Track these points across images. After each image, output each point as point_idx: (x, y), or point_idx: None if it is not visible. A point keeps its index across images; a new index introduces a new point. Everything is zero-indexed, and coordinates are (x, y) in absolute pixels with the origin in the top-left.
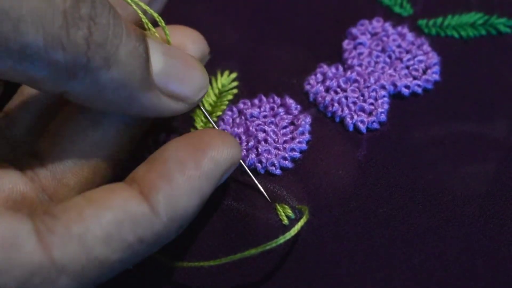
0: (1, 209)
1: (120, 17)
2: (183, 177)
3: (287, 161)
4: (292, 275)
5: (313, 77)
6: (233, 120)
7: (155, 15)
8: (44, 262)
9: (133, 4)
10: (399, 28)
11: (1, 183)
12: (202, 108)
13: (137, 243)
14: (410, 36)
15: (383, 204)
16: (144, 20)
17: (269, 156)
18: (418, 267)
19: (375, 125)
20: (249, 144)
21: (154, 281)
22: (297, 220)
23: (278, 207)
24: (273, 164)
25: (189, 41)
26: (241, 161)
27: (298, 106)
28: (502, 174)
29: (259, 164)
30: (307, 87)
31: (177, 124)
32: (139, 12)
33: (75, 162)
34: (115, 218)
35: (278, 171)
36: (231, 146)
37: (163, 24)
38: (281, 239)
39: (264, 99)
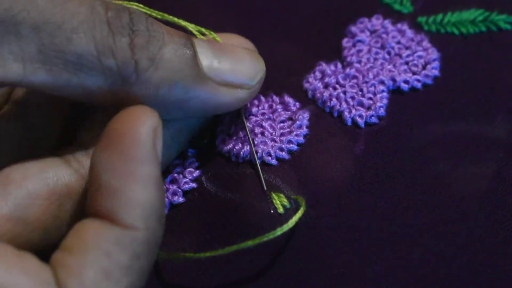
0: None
1: (159, 24)
2: (125, 184)
3: (283, 152)
4: (288, 267)
5: (312, 75)
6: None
7: (196, 28)
8: None
9: (180, 21)
10: (399, 25)
11: (46, 176)
12: (242, 114)
13: (135, 261)
14: (409, 32)
15: (381, 199)
16: (191, 27)
17: (265, 147)
18: (417, 263)
19: (374, 120)
20: (246, 137)
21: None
22: (292, 209)
23: (274, 195)
24: (269, 154)
25: (237, 44)
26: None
27: (297, 103)
28: (503, 171)
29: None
30: (306, 85)
31: None
32: (185, 23)
33: None
34: (101, 254)
35: (274, 161)
36: (144, 118)
37: (212, 33)
38: (279, 231)
39: (262, 98)
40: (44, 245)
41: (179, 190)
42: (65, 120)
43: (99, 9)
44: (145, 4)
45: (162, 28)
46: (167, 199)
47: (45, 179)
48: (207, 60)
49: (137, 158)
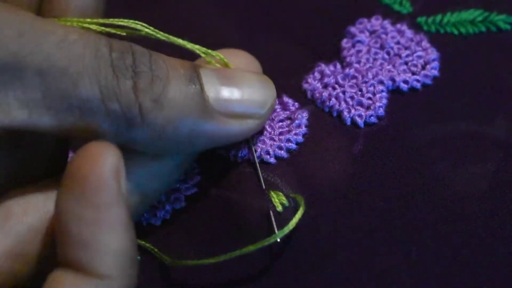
0: None
1: (163, 60)
2: (94, 233)
3: (282, 151)
4: (287, 266)
5: (311, 75)
6: None
7: (202, 49)
8: None
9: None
10: (398, 25)
11: (47, 210)
12: (251, 144)
13: None
14: (409, 33)
15: (380, 198)
16: (197, 48)
17: (264, 146)
18: (417, 262)
19: (373, 119)
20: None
21: (148, 278)
22: (291, 208)
23: (273, 194)
24: (267, 153)
25: (243, 64)
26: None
27: (296, 103)
28: (503, 171)
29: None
30: (305, 85)
31: None
32: (191, 45)
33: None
34: None
35: (272, 160)
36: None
37: (219, 55)
38: (280, 234)
39: None
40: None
41: (181, 195)
42: (62, 142)
43: (104, 51)
44: (146, 6)
45: (166, 63)
46: (168, 206)
47: (47, 213)
48: (214, 91)
49: (103, 204)
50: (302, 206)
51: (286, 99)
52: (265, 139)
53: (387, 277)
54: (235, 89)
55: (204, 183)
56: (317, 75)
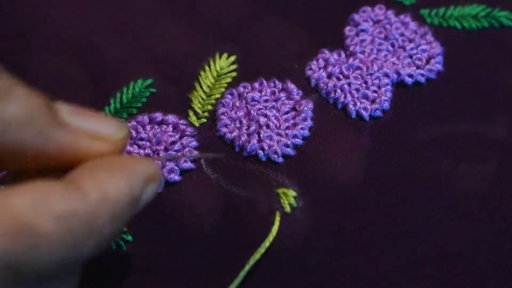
0: None
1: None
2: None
3: (289, 148)
4: (293, 263)
5: (314, 62)
6: (233, 103)
7: None
8: None
9: None
10: (402, 17)
11: None
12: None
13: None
14: (413, 25)
15: (386, 193)
16: None
17: (271, 143)
18: (420, 261)
19: (378, 113)
20: (251, 128)
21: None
22: (299, 208)
23: (281, 194)
24: (275, 152)
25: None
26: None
27: (300, 92)
28: (504, 171)
29: (261, 151)
30: (309, 72)
31: (174, 105)
32: None
33: None
34: None
35: (280, 159)
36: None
37: None
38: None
39: (265, 83)
40: None
41: (176, 168)
42: None
43: None
44: None
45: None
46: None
47: None
48: (65, 107)
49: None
50: (277, 222)
51: (290, 85)
52: (273, 135)
53: (391, 276)
54: (89, 114)
55: (204, 166)
56: (321, 62)
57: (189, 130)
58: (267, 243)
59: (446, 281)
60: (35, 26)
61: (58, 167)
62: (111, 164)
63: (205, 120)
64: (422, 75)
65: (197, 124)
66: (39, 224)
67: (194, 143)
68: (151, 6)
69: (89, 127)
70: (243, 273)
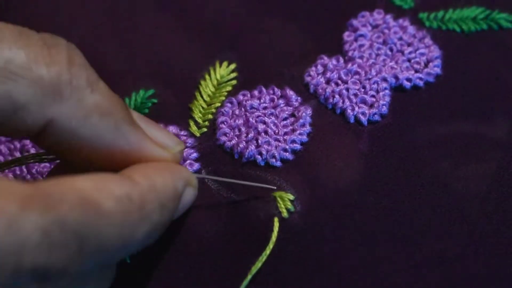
0: None
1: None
2: None
3: (287, 153)
4: (291, 268)
5: (313, 68)
6: (233, 112)
7: None
8: None
9: None
10: (400, 21)
11: None
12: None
13: None
14: (411, 29)
15: (384, 198)
16: None
17: (269, 148)
18: (420, 263)
19: (377, 118)
20: (249, 135)
21: None
22: (297, 212)
23: (279, 199)
24: (273, 156)
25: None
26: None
27: (299, 98)
28: (504, 171)
29: (259, 156)
30: (308, 78)
31: (175, 115)
32: None
33: None
34: None
35: (278, 163)
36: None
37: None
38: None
39: (264, 90)
40: None
41: None
42: None
43: (31, 32)
44: None
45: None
46: None
47: None
48: (136, 115)
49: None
50: (275, 228)
51: (289, 92)
52: (271, 140)
53: (391, 278)
54: (153, 123)
55: (207, 181)
56: (319, 68)
57: (189, 141)
58: (267, 250)
59: (446, 283)
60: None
61: (108, 168)
62: (157, 165)
63: (205, 130)
64: (421, 78)
65: (198, 134)
66: (101, 202)
67: (195, 155)
68: (151, 16)
69: (154, 135)
70: (245, 282)
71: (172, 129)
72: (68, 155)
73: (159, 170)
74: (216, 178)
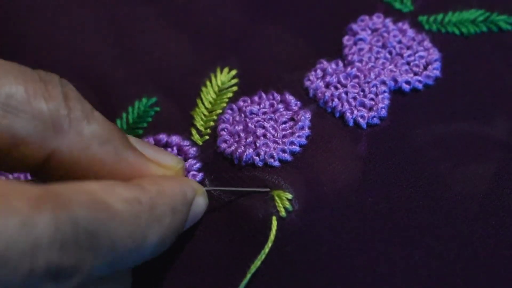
0: None
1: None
2: None
3: (286, 154)
4: (290, 267)
5: (313, 73)
6: (233, 118)
7: None
8: None
9: None
10: (400, 24)
11: None
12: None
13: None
14: (411, 32)
15: (382, 200)
16: None
17: (267, 149)
18: (419, 264)
19: (376, 121)
20: (248, 140)
21: None
22: (294, 211)
23: (277, 198)
24: (271, 156)
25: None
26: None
27: (298, 102)
28: (503, 171)
29: (257, 157)
30: (307, 83)
31: (177, 124)
32: None
33: None
34: None
35: (276, 163)
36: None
37: None
38: (262, 255)
39: (264, 95)
40: None
41: None
42: None
43: (28, 69)
44: None
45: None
46: None
47: None
48: (132, 139)
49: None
50: (274, 227)
51: (288, 97)
52: (269, 142)
53: (389, 279)
54: (150, 145)
55: (207, 184)
56: (319, 72)
57: (192, 151)
58: (266, 249)
59: (445, 283)
60: (38, 50)
61: None
62: (165, 175)
63: (207, 138)
64: (420, 81)
65: (200, 143)
66: (111, 202)
67: (198, 165)
68: (151, 24)
69: (153, 156)
70: (245, 281)
71: (175, 139)
72: (69, 178)
73: (166, 179)
74: (215, 188)
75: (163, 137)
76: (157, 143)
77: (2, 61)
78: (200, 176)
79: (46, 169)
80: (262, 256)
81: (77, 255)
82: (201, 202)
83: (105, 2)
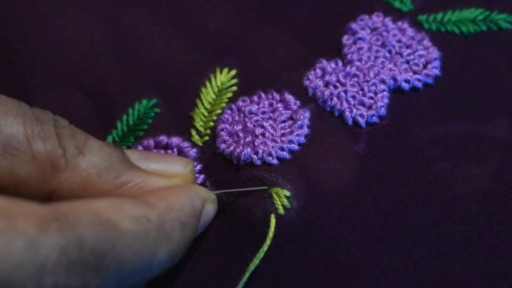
0: None
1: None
2: None
3: (284, 152)
4: (289, 267)
5: (312, 72)
6: (232, 118)
7: None
8: None
9: None
10: (399, 23)
11: None
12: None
13: None
14: (410, 31)
15: (382, 199)
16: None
17: (265, 148)
18: (419, 262)
19: (375, 119)
20: (246, 139)
21: None
22: (292, 209)
23: (275, 196)
24: (270, 154)
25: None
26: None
27: (297, 102)
28: (503, 171)
29: (255, 156)
30: (306, 82)
31: (177, 125)
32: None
33: None
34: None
35: (274, 161)
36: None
37: None
38: (261, 253)
39: (263, 95)
40: None
41: None
42: None
43: (25, 106)
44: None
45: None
46: None
47: None
48: (133, 154)
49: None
50: (272, 225)
51: (287, 96)
52: (267, 141)
53: (390, 278)
54: (156, 155)
55: (209, 186)
56: (318, 71)
57: (192, 152)
58: (265, 247)
59: (445, 283)
60: (36, 53)
61: None
62: (171, 188)
63: (207, 138)
64: (419, 80)
65: (200, 144)
66: (118, 221)
67: (199, 167)
68: (151, 26)
69: (157, 168)
70: (244, 279)
71: (175, 140)
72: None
73: (173, 192)
74: (218, 191)
75: (163, 138)
76: (157, 145)
77: (3, 97)
78: (201, 178)
79: None
80: (261, 254)
81: (84, 275)
82: (210, 211)
83: (104, 5)
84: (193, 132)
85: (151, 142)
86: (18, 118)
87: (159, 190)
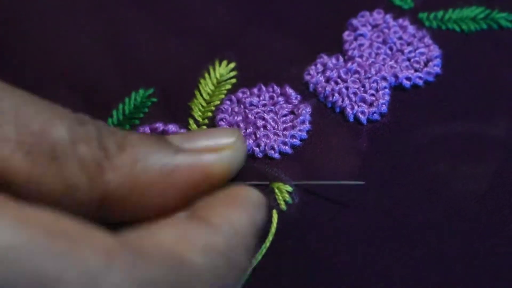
0: None
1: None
2: None
3: (286, 146)
4: (289, 264)
5: (313, 67)
6: (232, 109)
7: None
8: None
9: None
10: (400, 21)
11: None
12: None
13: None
14: (411, 28)
15: (382, 196)
16: None
17: (268, 141)
18: (419, 261)
19: (376, 116)
20: (247, 131)
21: None
22: (295, 205)
23: (277, 191)
24: (272, 148)
25: None
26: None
27: (298, 96)
28: (503, 171)
29: (257, 148)
30: (307, 77)
31: (174, 114)
32: None
33: None
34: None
35: (277, 155)
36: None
37: None
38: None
39: (263, 88)
40: None
41: None
42: None
43: (68, 113)
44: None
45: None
46: None
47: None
48: (176, 140)
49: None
50: (274, 220)
51: (288, 90)
52: (269, 134)
53: (390, 277)
54: (199, 132)
55: None
56: (319, 67)
57: None
58: (267, 243)
59: (445, 282)
60: (33, 51)
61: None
62: (228, 200)
63: (205, 128)
64: (420, 78)
65: None
66: (187, 256)
67: None
68: (150, 18)
69: (204, 144)
70: (246, 276)
71: (172, 127)
72: (129, 213)
73: (232, 206)
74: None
75: (159, 125)
76: (153, 132)
77: (46, 103)
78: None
79: (102, 211)
80: (263, 250)
81: None
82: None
83: (100, 3)
84: (191, 121)
85: (147, 129)
86: (64, 121)
87: (214, 204)
